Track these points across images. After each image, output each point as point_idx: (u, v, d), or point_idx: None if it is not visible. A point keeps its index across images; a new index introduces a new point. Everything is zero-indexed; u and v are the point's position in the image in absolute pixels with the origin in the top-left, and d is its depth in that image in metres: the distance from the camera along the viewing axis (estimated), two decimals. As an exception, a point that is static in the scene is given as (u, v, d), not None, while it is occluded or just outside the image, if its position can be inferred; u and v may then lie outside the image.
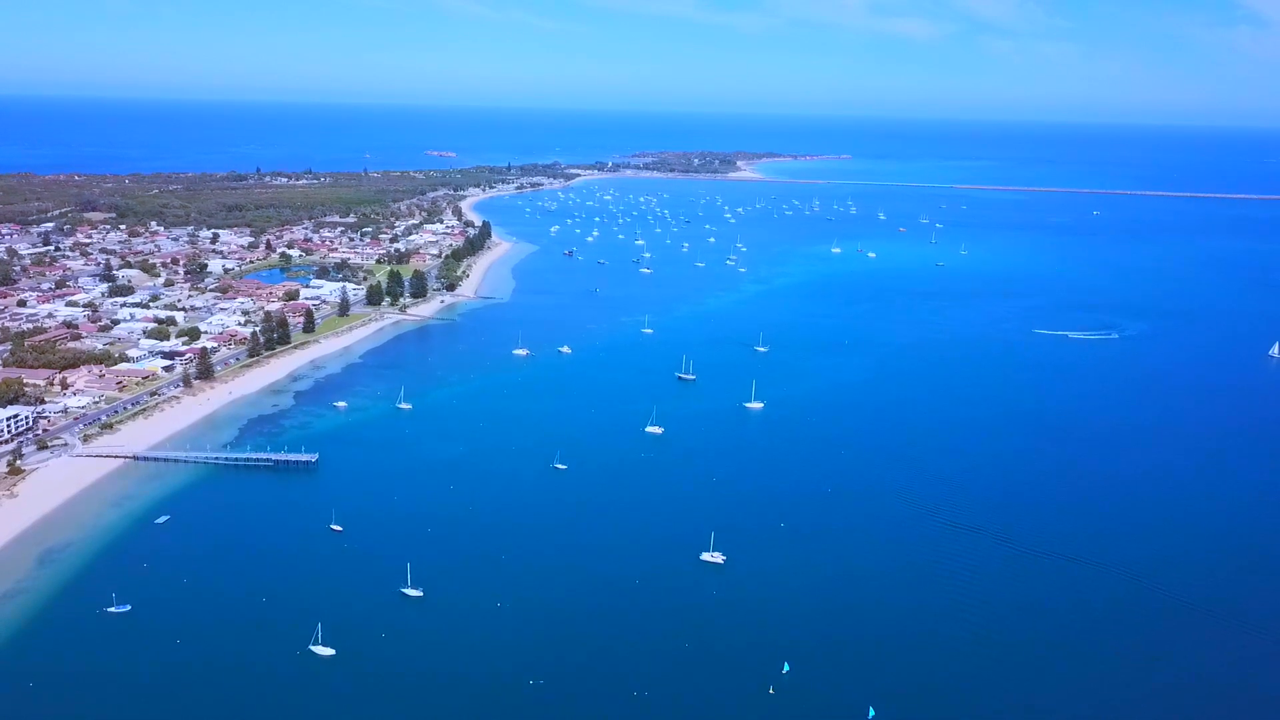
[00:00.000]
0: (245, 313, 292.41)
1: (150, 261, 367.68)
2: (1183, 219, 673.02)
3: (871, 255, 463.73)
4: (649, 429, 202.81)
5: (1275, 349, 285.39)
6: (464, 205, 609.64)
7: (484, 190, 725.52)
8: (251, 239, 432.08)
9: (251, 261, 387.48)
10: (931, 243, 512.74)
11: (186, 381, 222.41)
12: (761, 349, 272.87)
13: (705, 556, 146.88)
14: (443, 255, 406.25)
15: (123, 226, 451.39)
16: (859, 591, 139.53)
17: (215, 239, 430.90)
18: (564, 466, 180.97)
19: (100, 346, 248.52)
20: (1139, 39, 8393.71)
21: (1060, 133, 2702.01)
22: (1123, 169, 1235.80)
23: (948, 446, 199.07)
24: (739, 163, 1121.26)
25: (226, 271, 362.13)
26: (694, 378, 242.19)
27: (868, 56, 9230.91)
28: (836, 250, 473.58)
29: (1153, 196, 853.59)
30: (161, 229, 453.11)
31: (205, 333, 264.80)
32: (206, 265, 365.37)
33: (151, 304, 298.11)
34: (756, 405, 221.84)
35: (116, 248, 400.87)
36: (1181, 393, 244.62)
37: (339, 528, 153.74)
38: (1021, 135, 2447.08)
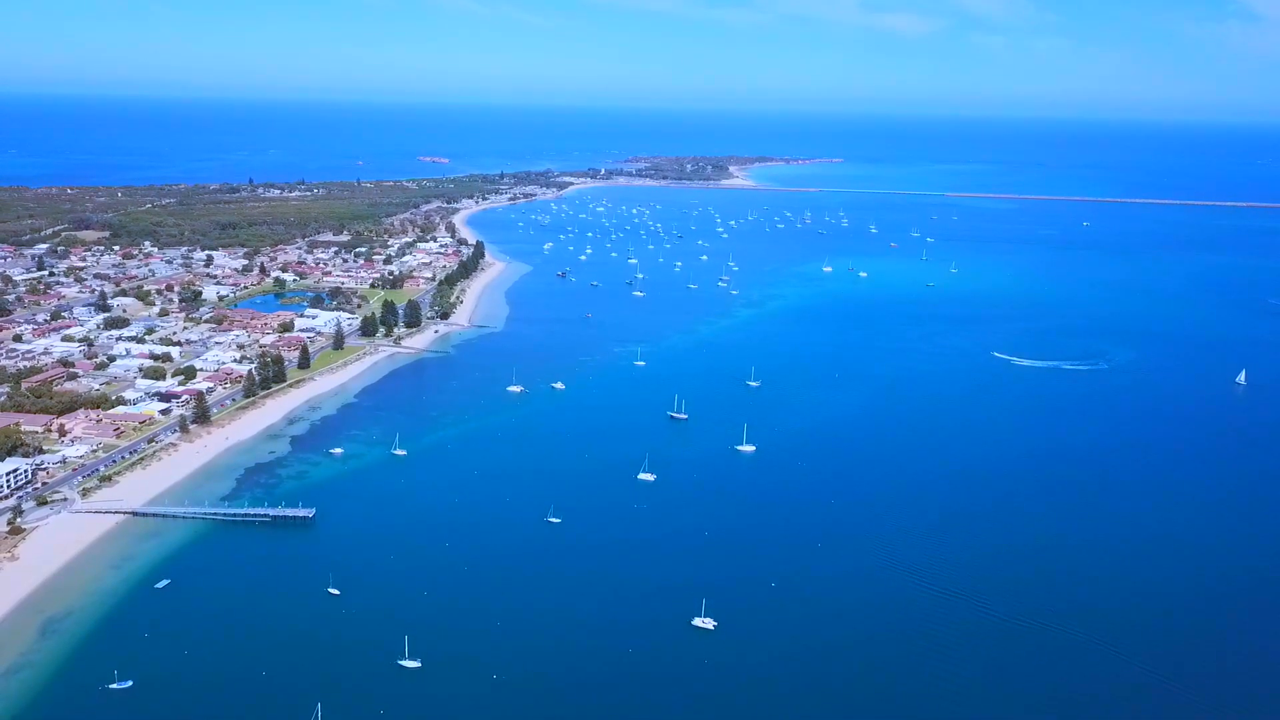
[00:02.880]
0: (240, 347, 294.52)
1: (145, 289, 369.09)
2: (1172, 230, 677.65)
3: (863, 275, 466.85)
4: (641, 476, 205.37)
5: (1241, 376, 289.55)
6: (457, 220, 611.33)
7: (477, 202, 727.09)
8: (245, 261, 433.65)
9: (245, 287, 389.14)
10: (922, 259, 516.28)
11: (183, 426, 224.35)
12: (753, 383, 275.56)
13: (696, 622, 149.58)
14: (436, 278, 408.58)
15: (116, 248, 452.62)
16: (846, 661, 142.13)
17: (209, 261, 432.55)
18: (558, 520, 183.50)
19: (97, 387, 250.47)
20: (1129, 34, 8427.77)
21: (1051, 130, 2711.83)
22: (1113, 173, 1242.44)
23: (935, 496, 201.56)
24: (731, 168, 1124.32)
25: (221, 299, 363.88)
26: (686, 417, 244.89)
27: (859, 52, 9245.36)
28: (828, 269, 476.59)
29: (1142, 204, 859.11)
30: (155, 250, 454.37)
31: (201, 370, 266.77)
32: (201, 292, 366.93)
33: (147, 337, 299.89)
34: (748, 448, 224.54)
35: (111, 272, 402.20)
36: (1162, 426, 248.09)
37: (336, 591, 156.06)
38: (1013, 133, 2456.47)
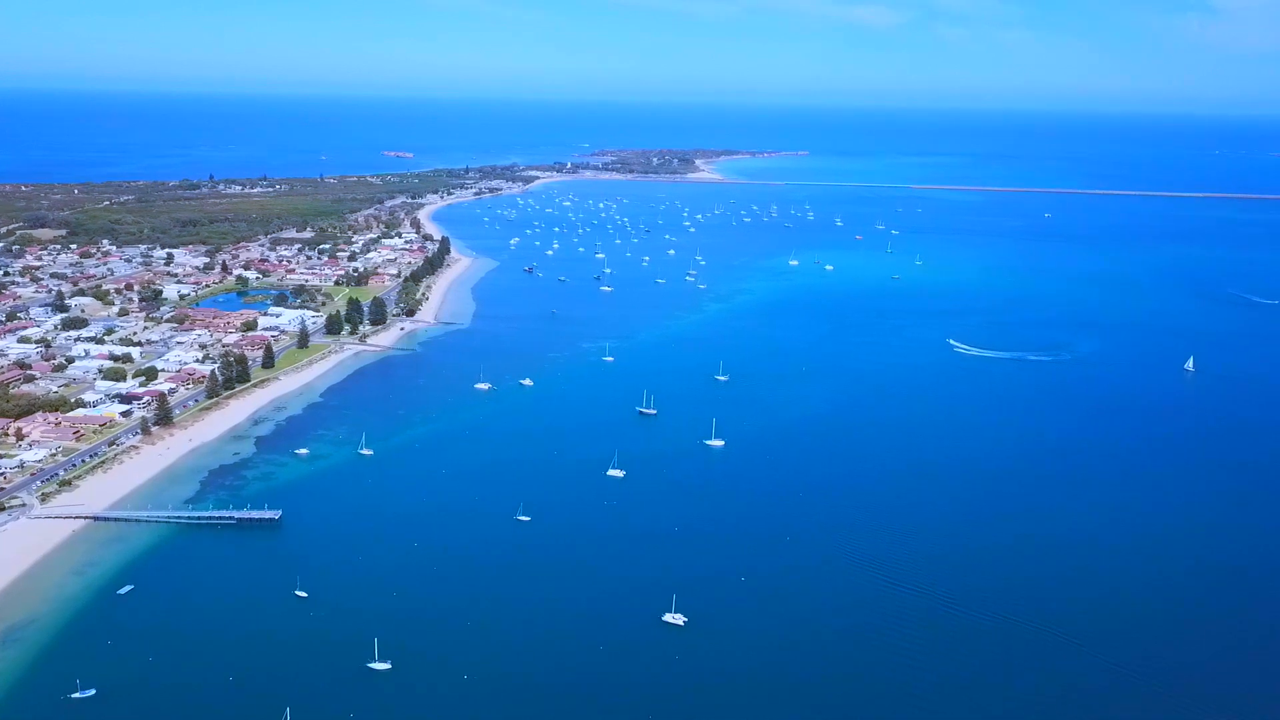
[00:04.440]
0: (203, 346, 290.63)
1: (104, 288, 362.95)
2: (1132, 221, 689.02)
3: (829, 268, 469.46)
4: (611, 472, 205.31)
5: (1189, 363, 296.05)
6: (422, 215, 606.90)
7: (442, 197, 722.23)
8: (207, 259, 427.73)
9: (207, 285, 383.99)
10: (888, 252, 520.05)
11: (145, 429, 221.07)
12: (722, 378, 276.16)
13: (667, 618, 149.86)
14: (402, 275, 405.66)
15: (74, 246, 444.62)
16: (815, 656, 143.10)
17: (170, 259, 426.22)
18: (527, 519, 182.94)
19: (55, 389, 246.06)
20: (1092, 27, 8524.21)
21: (1016, 122, 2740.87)
22: (1076, 164, 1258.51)
23: (904, 490, 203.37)
24: (698, 162, 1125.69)
25: (182, 298, 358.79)
26: (655, 412, 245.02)
27: (827, 44, 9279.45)
28: (794, 263, 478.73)
29: (1103, 195, 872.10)
30: (114, 248, 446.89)
31: (163, 370, 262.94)
32: (161, 291, 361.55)
33: (106, 338, 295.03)
34: (717, 443, 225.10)
35: (68, 271, 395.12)
36: (1119, 417, 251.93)
37: (304, 594, 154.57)
38: (978, 125, 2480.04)
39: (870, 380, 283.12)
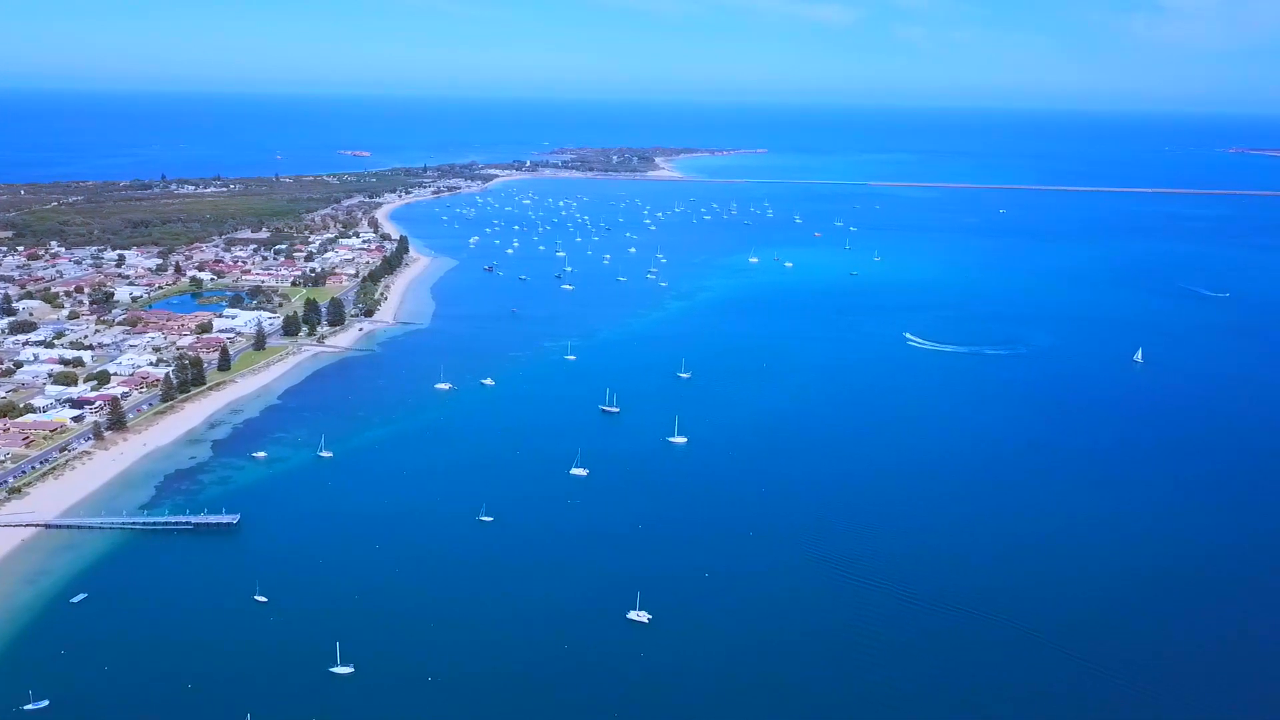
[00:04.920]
0: (156, 349, 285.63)
1: (53, 290, 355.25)
2: (1085, 216, 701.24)
3: (788, 265, 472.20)
4: (574, 471, 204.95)
5: (1138, 355, 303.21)
6: (380, 214, 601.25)
7: (400, 196, 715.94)
8: (160, 260, 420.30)
9: (160, 287, 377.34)
10: (846, 248, 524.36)
11: (97, 434, 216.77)
12: (684, 375, 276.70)
13: (632, 615, 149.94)
14: (360, 275, 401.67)
15: (20, 248, 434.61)
16: (779, 651, 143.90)
17: (121, 261, 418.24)
18: (490, 519, 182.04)
19: (3, 395, 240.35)
20: (1044, 25, 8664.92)
21: (971, 119, 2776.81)
22: (1029, 161, 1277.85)
23: (865, 486, 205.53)
24: (658, 160, 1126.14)
25: (135, 300, 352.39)
26: (617, 410, 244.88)
27: (786, 42, 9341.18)
28: (754, 260, 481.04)
29: (1056, 191, 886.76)
30: (63, 250, 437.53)
31: (115, 374, 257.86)
32: (113, 293, 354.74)
33: (56, 341, 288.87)
34: (680, 440, 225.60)
35: (15, 274, 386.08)
36: (1073, 409, 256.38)
37: (263, 599, 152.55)
38: (934, 122, 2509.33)
39: (831, 376, 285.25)
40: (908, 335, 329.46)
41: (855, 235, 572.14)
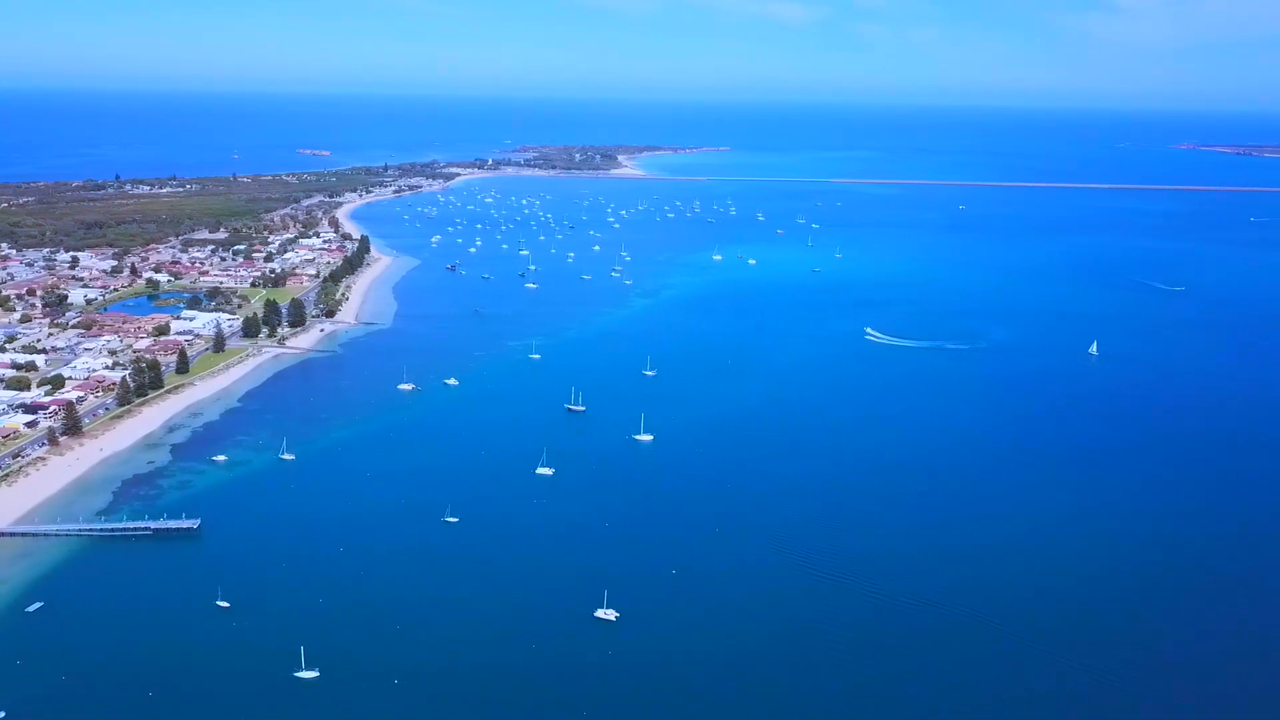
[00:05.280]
0: (112, 352, 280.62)
1: (4, 293, 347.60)
2: (1040, 211, 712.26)
3: (752, 262, 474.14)
4: (540, 470, 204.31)
5: (1093, 347, 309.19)
6: (340, 214, 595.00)
7: (361, 195, 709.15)
8: (115, 262, 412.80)
9: (116, 289, 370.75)
10: (809, 245, 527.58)
11: (52, 439, 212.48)
12: (649, 373, 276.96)
13: (599, 614, 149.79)
14: (321, 276, 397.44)
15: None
16: (746, 647, 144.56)
17: (75, 263, 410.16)
18: (455, 520, 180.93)
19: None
20: (1001, 24, 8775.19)
21: (931, 117, 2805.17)
22: (988, 158, 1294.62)
23: (830, 481, 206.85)
24: (620, 158, 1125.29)
25: (89, 302, 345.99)
26: (583, 409, 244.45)
27: (746, 40, 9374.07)
28: (718, 258, 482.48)
29: (1015, 188, 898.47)
30: (13, 252, 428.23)
31: (70, 379, 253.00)
32: (67, 296, 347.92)
33: (8, 346, 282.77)
34: (646, 438, 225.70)
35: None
36: (1032, 402, 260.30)
37: (225, 604, 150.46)
38: (895, 120, 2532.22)
39: (795, 372, 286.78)
40: (870, 331, 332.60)
41: (817, 232, 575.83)
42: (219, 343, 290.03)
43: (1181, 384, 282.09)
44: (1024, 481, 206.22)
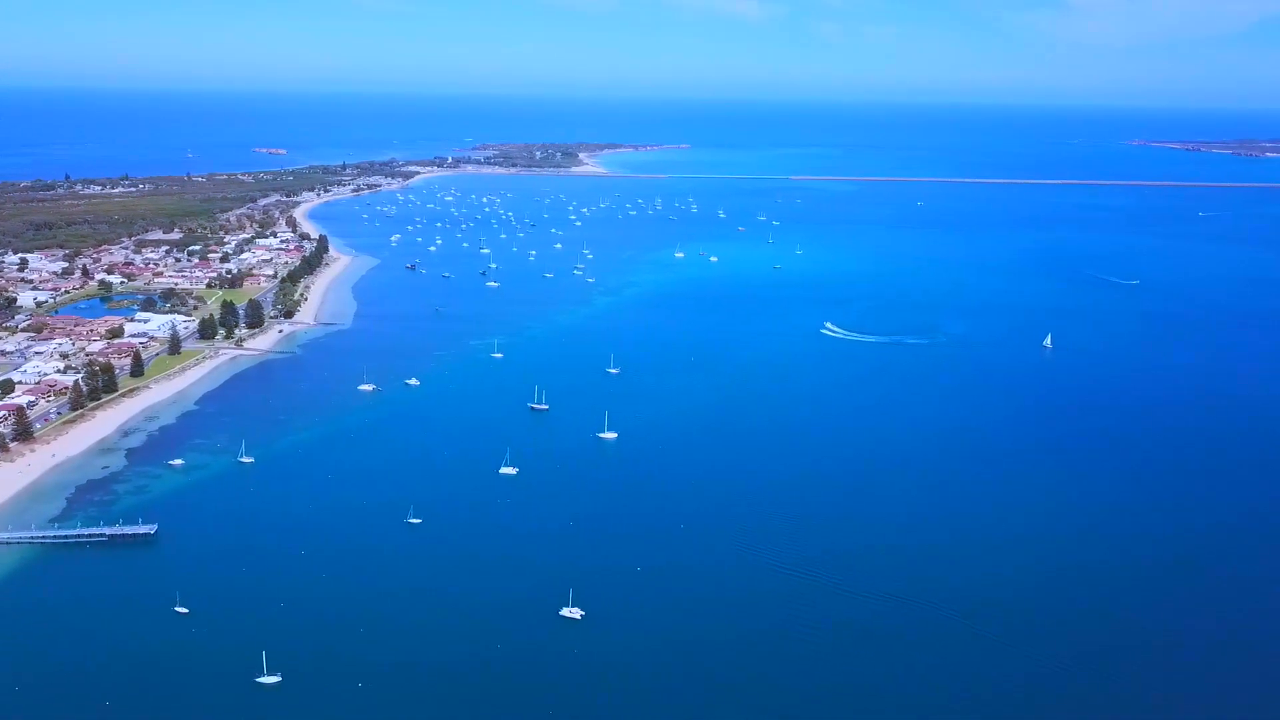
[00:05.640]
0: (64, 356, 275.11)
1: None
2: (998, 208, 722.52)
3: (714, 259, 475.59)
4: (503, 470, 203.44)
5: (1047, 340, 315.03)
6: (298, 213, 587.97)
7: (319, 195, 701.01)
8: (65, 264, 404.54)
9: (67, 291, 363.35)
10: (769, 242, 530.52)
11: (2, 445, 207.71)
12: (613, 370, 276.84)
13: (564, 612, 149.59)
14: (279, 276, 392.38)
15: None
16: (711, 643, 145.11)
17: (24, 265, 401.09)
18: (418, 521, 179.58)
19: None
20: (955, 21, 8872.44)
21: (887, 114, 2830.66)
22: (944, 155, 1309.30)
23: (793, 477, 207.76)
24: (581, 155, 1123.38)
25: (39, 305, 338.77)
26: (547, 407, 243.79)
27: (703, 37, 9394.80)
28: (680, 255, 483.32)
29: (971, 184, 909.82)
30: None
31: (20, 383, 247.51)
32: (16, 299, 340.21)
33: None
34: (610, 436, 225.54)
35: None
36: (991, 395, 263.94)
37: (184, 610, 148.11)
38: (852, 117, 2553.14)
39: (757, 369, 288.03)
40: (830, 326, 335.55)
41: (778, 229, 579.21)
42: (174, 345, 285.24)
43: (1134, 376, 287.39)
44: (982, 475, 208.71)
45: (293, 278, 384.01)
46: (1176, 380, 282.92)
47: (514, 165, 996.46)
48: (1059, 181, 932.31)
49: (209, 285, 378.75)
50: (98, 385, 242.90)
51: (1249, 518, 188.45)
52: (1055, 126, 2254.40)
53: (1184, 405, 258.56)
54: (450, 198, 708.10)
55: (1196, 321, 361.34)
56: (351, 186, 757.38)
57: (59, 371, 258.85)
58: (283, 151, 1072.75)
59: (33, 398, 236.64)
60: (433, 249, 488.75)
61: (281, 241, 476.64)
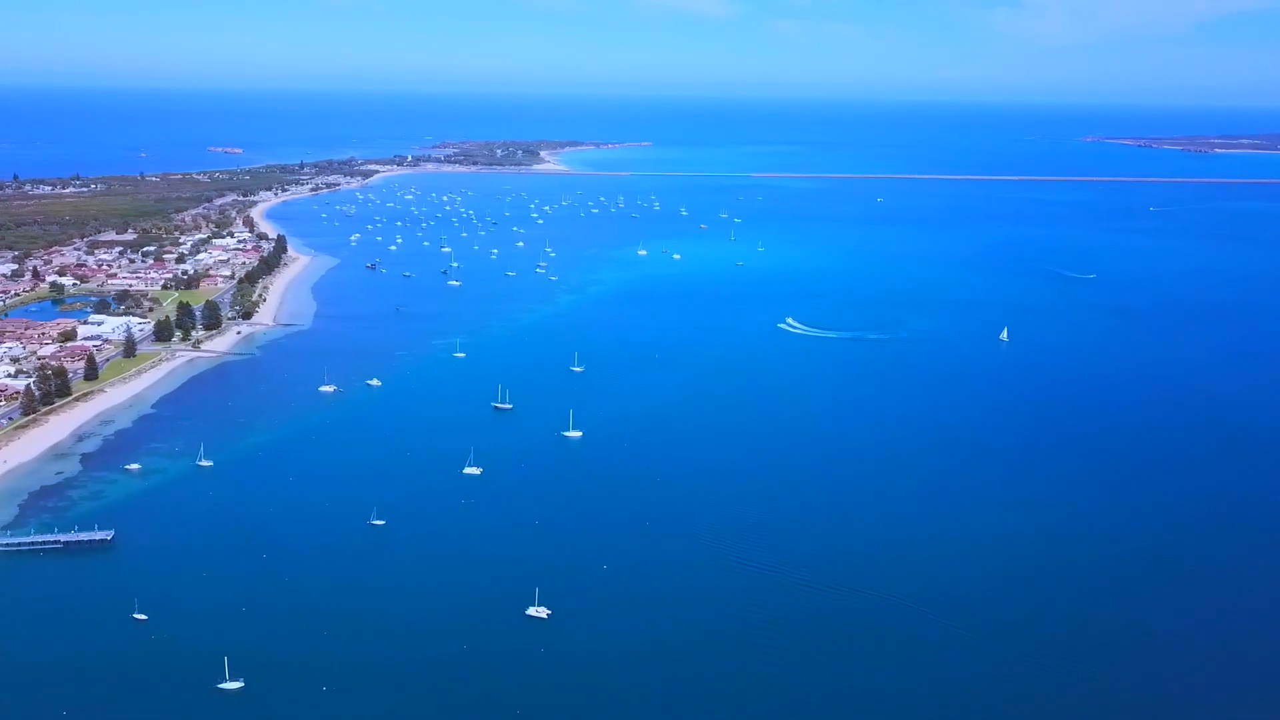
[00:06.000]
0: (15, 360, 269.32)
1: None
2: (955, 203, 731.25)
3: (676, 257, 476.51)
4: (467, 470, 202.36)
5: (1004, 334, 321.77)
6: (255, 213, 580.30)
7: (276, 194, 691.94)
8: (15, 266, 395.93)
9: (18, 294, 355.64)
10: (731, 240, 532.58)
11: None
12: (577, 369, 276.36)
13: (531, 612, 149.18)
14: (236, 276, 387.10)
15: None
16: (677, 641, 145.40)
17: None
18: (382, 522, 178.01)
19: None
20: (912, 20, 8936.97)
21: (847, 111, 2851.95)
22: (902, 151, 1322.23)
23: (758, 474, 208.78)
24: (542, 153, 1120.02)
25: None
26: (511, 407, 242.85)
27: (663, 35, 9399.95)
28: (643, 253, 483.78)
29: (928, 180, 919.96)
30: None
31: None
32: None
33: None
34: (575, 434, 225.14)
35: None
36: (949, 388, 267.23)
37: (143, 616, 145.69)
38: (812, 115, 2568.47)
39: (721, 366, 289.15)
40: (793, 323, 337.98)
41: (740, 226, 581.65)
42: (130, 347, 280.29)
43: (1089, 368, 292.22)
44: (945, 470, 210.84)
45: (251, 278, 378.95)
46: (1131, 373, 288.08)
47: (475, 163, 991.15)
48: (1016, 178, 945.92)
49: (164, 287, 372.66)
50: (50, 389, 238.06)
51: (1212, 510, 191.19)
52: (1012, 124, 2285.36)
53: (1139, 398, 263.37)
54: (410, 196, 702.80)
55: (1150, 314, 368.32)
56: (310, 186, 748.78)
57: (10, 376, 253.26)
58: (239, 150, 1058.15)
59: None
60: (393, 248, 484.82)
61: (239, 242, 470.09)
